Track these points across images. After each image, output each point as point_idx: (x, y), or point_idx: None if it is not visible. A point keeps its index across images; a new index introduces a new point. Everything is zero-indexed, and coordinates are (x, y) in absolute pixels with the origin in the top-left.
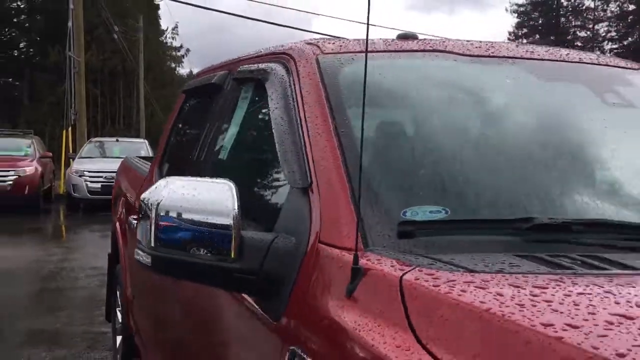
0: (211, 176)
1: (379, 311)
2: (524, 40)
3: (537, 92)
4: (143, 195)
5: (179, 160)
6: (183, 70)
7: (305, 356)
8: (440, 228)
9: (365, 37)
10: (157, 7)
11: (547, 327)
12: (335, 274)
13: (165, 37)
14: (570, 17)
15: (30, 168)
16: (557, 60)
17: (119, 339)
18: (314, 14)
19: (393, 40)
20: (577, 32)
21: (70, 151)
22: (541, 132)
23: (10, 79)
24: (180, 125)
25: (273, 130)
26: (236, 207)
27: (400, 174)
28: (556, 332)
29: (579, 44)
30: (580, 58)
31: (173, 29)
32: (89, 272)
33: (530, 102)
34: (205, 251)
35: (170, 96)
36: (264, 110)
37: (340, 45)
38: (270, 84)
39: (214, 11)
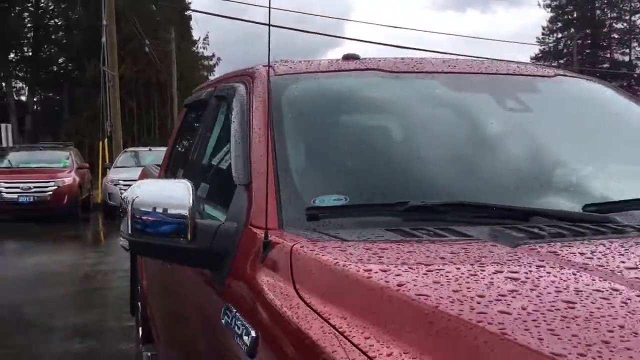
0: (194, 178)
1: (277, 271)
2: (559, 35)
3: (443, 101)
4: (124, 195)
5: (178, 165)
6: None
7: (234, 309)
8: (340, 212)
9: (317, 59)
10: (189, 18)
11: (375, 272)
12: (256, 248)
13: (197, 47)
14: (605, 9)
15: (68, 179)
16: (473, 73)
17: (140, 329)
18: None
19: (337, 60)
20: (614, 24)
21: (107, 161)
22: (432, 134)
23: (51, 94)
24: (181, 135)
25: (231, 139)
26: (191, 202)
27: (315, 171)
28: (378, 274)
29: (616, 36)
30: (497, 69)
31: (204, 39)
32: (121, 274)
33: (431, 110)
34: (169, 236)
35: None
36: (230, 123)
37: (290, 67)
38: (235, 101)
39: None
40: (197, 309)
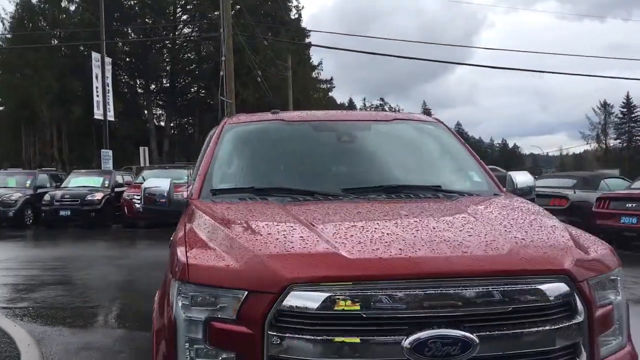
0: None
1: (185, 220)
2: None
3: (307, 136)
4: (142, 186)
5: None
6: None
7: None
8: (226, 191)
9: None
10: (308, 46)
11: (215, 211)
12: (187, 208)
13: (316, 72)
14: None
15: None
16: (336, 120)
17: None
18: (467, 46)
19: (265, 114)
20: None
21: None
22: (292, 155)
23: (185, 119)
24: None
25: (200, 156)
26: (169, 187)
27: (225, 172)
28: (216, 212)
29: None
30: (358, 117)
31: (318, 65)
32: None
33: (298, 142)
34: (160, 204)
35: None
36: (206, 147)
37: (238, 118)
38: (209, 136)
39: (350, 51)
40: None
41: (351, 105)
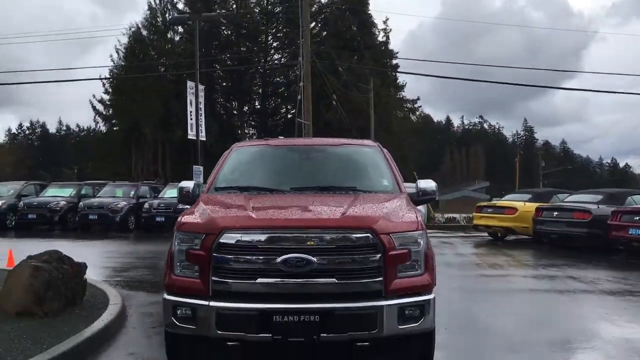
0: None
1: (200, 203)
2: None
3: (282, 156)
4: (179, 186)
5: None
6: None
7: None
8: (225, 189)
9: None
10: (394, 66)
11: (215, 198)
12: (198, 198)
13: (401, 93)
14: None
15: None
16: (305, 145)
17: None
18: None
19: (261, 140)
20: None
21: None
22: (269, 168)
23: (281, 137)
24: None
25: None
26: (193, 187)
27: (227, 178)
28: (216, 199)
29: None
30: (320, 143)
31: (402, 87)
32: None
33: (275, 160)
34: (187, 197)
35: (396, 143)
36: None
37: (244, 143)
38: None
39: (430, 76)
40: None
41: (448, 124)
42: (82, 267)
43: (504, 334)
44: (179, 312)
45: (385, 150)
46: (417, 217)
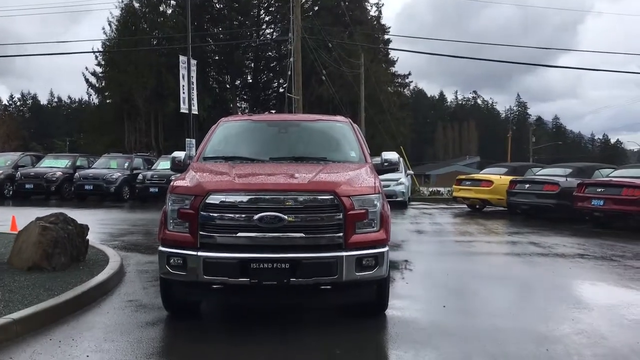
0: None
1: (190, 170)
2: None
3: (262, 129)
4: (171, 156)
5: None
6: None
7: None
8: (211, 158)
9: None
10: (386, 42)
11: (202, 166)
12: (189, 166)
13: (393, 68)
14: None
15: None
16: (284, 120)
17: None
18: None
19: (245, 115)
20: None
21: None
22: (252, 140)
23: (266, 112)
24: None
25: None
26: (184, 156)
27: (214, 147)
28: (203, 167)
29: None
30: (297, 118)
31: (394, 62)
32: None
33: (257, 132)
34: (179, 166)
35: (385, 118)
36: None
37: (230, 117)
38: (214, 127)
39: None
40: None
41: (442, 99)
42: (85, 228)
43: (455, 287)
44: (172, 261)
45: (355, 125)
46: (375, 182)
